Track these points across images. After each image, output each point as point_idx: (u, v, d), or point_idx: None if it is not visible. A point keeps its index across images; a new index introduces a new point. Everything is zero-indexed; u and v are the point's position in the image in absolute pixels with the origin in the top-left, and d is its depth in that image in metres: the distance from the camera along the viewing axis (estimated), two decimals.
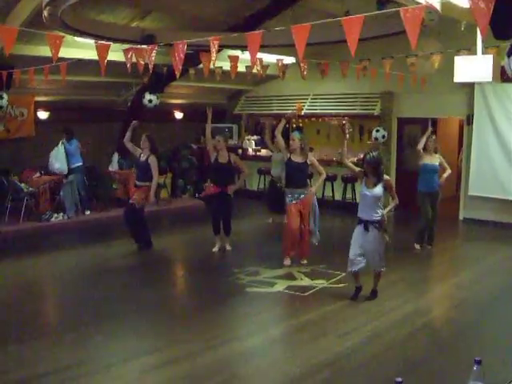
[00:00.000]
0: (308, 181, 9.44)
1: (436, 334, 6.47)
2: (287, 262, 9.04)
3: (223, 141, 9.72)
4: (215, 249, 10.05)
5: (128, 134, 10.05)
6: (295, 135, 9.15)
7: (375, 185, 7.06)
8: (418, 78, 11.37)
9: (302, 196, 8.87)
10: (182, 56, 6.43)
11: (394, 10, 4.88)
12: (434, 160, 10.01)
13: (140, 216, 9.98)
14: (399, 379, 2.32)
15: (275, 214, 12.02)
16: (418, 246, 10.26)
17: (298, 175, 8.94)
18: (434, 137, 10.24)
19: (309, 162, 8.98)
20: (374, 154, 7.10)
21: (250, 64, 11.30)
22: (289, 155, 9.02)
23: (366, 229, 7.11)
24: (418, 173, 10.17)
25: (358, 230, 7.22)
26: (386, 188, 7.19)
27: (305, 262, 9.13)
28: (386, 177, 7.21)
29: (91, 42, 8.44)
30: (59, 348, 5.87)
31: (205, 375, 5.25)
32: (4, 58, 8.49)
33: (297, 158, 8.94)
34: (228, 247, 10.14)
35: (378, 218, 7.08)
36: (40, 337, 6.17)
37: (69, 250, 10.43)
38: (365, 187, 7.17)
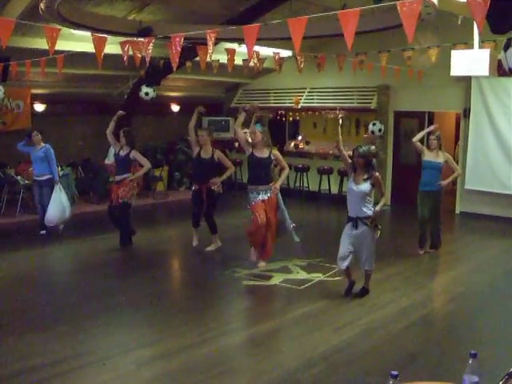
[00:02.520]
0: (271, 176, 8.62)
1: (432, 328, 6.50)
2: (262, 263, 8.62)
3: (207, 135, 9.25)
4: (195, 243, 9.78)
5: (111, 125, 9.72)
6: (256, 128, 8.49)
7: (364, 180, 6.87)
8: (414, 71, 11.38)
9: (267, 195, 8.34)
10: (179, 49, 6.41)
11: (390, 3, 4.88)
12: (438, 158, 9.22)
13: (127, 212, 9.79)
14: (395, 372, 2.33)
15: None
16: (420, 252, 9.54)
17: (262, 171, 8.39)
18: (437, 132, 9.41)
19: (273, 157, 8.44)
20: (366, 147, 6.92)
21: (246, 57, 11.31)
22: (251, 150, 8.44)
23: (356, 226, 6.96)
24: (414, 167, 10.02)
25: (348, 227, 7.08)
26: (374, 185, 6.94)
27: (263, 264, 8.57)
28: (376, 174, 6.96)
29: (88, 34, 8.41)
30: (55, 341, 5.87)
31: (200, 368, 5.26)
32: (0, 51, 8.46)
33: (260, 153, 8.38)
34: (211, 247, 9.62)
35: (368, 214, 6.90)
36: (36, 329, 6.18)
37: (65, 243, 10.42)
38: (352, 182, 6.97)
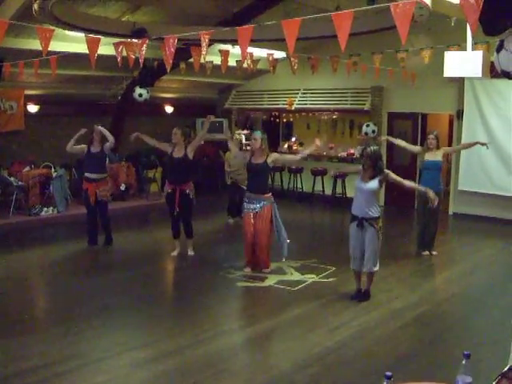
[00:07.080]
0: (267, 185, 8.56)
1: (426, 329, 6.51)
2: (247, 269, 8.49)
3: (180, 134, 8.93)
4: (174, 253, 9.42)
5: (71, 142, 9.55)
6: (257, 134, 8.42)
7: (371, 178, 6.94)
8: (408, 73, 11.40)
9: (259, 206, 8.20)
10: (173, 50, 6.42)
11: (384, 5, 4.89)
12: (437, 156, 9.20)
13: (107, 210, 9.97)
14: (389, 373, 2.33)
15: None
16: (425, 252, 9.57)
17: (256, 178, 8.32)
18: (435, 132, 9.46)
19: (270, 163, 8.33)
20: (373, 147, 6.99)
21: (240, 58, 11.30)
22: (249, 157, 8.42)
23: (361, 226, 6.98)
24: (408, 168, 9.98)
25: (352, 227, 7.10)
26: (381, 182, 7.01)
27: (268, 270, 8.42)
28: (386, 171, 7.05)
29: (81, 35, 8.40)
30: (49, 342, 5.86)
31: (195, 369, 5.27)
32: None
33: (257, 160, 8.29)
34: (190, 252, 9.42)
35: (375, 215, 6.96)
36: (30, 331, 6.17)
37: (59, 244, 10.40)
38: (360, 180, 7.05)
